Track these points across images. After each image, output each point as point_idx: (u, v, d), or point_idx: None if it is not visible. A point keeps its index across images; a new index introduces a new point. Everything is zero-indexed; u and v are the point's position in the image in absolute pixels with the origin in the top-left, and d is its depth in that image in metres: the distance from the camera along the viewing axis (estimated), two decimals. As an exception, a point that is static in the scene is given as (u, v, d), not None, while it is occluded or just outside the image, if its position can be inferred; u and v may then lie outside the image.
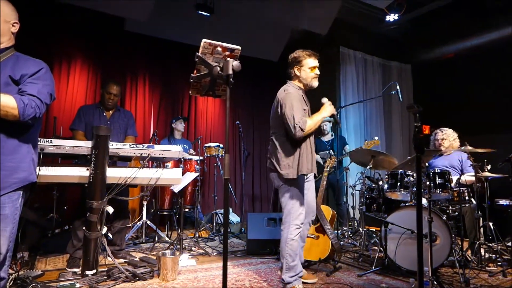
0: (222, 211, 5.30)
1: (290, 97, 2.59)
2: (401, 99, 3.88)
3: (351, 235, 4.50)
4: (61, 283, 2.58)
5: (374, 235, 4.11)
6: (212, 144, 4.86)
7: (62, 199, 4.55)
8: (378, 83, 6.66)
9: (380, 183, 3.97)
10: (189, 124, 6.11)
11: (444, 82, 6.28)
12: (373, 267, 3.18)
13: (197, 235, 4.40)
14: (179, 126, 5.07)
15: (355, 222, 4.79)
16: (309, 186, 2.80)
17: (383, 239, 3.18)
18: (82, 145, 2.79)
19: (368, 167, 3.82)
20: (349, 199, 4.93)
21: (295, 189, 2.60)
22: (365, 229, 3.92)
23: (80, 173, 2.76)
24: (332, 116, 2.71)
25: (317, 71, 2.69)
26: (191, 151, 5.08)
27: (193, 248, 3.94)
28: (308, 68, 2.68)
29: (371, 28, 6.35)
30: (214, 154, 4.82)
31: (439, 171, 3.38)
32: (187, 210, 4.66)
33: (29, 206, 3.57)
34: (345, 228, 4.77)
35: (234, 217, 5.90)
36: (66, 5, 4.53)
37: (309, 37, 5.63)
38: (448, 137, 4.02)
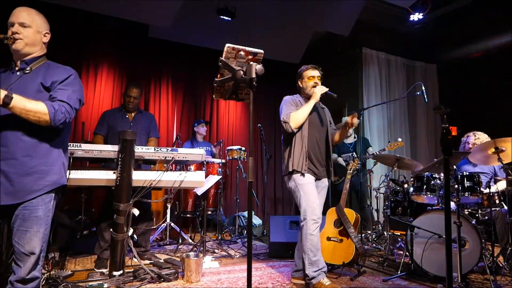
0: (244, 213, 5.32)
1: (283, 102, 2.89)
2: (426, 100, 3.78)
3: (375, 239, 4.41)
4: (90, 283, 2.66)
5: (399, 239, 4.02)
6: (234, 147, 4.89)
7: (90, 201, 4.69)
8: (402, 84, 6.52)
9: (405, 186, 3.89)
10: (211, 127, 6.18)
11: (472, 82, 6.08)
12: (399, 272, 3.11)
13: (219, 238, 4.43)
14: (201, 129, 5.14)
15: (379, 225, 4.69)
16: (320, 191, 2.85)
17: (409, 243, 3.10)
18: (109, 149, 2.88)
19: (392, 170, 3.75)
20: (373, 202, 4.84)
21: (303, 185, 2.71)
22: (390, 233, 3.84)
23: (107, 176, 2.84)
24: (327, 94, 2.80)
25: (316, 80, 2.85)
26: (214, 149, 5.13)
27: (216, 250, 3.97)
28: (307, 78, 2.88)
29: (394, 28, 6.23)
30: (236, 157, 4.85)
31: (467, 173, 3.27)
32: (209, 212, 4.71)
33: (59, 208, 3.70)
34: (369, 232, 4.69)
35: (256, 220, 5.91)
36: (93, 14, 4.69)
37: (331, 38, 5.59)
38: (479, 141, 3.86)
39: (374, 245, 4.26)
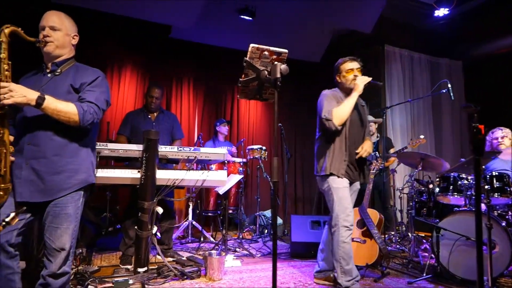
0: (264, 213, 5.32)
1: (322, 97, 2.70)
2: (452, 98, 3.67)
3: (399, 240, 4.33)
4: (116, 279, 2.72)
5: (424, 241, 3.93)
6: (255, 147, 4.89)
7: (114, 199, 4.81)
8: (426, 82, 6.35)
9: (431, 186, 3.79)
10: (232, 127, 6.21)
11: (499, 78, 5.86)
12: (424, 274, 3.04)
13: (240, 236, 4.46)
14: (223, 129, 5.17)
15: (403, 226, 4.60)
16: (351, 194, 2.72)
17: (435, 245, 3.02)
18: (134, 149, 2.94)
19: (416, 170, 3.66)
20: (396, 203, 4.75)
21: (338, 189, 2.58)
22: (414, 235, 3.75)
23: (132, 175, 2.90)
24: (371, 84, 2.63)
25: (355, 73, 2.66)
26: (234, 149, 5.16)
27: (237, 249, 3.99)
28: (345, 71, 2.69)
29: (418, 25, 6.09)
30: (257, 156, 4.85)
31: (497, 173, 3.16)
32: (230, 211, 4.73)
33: (86, 205, 3.81)
34: (393, 233, 4.60)
35: (277, 219, 5.90)
36: (118, 16, 4.80)
37: (353, 36, 5.51)
38: (508, 134, 3.71)
39: (398, 246, 4.17)
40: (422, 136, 4.10)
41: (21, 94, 1.58)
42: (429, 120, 6.30)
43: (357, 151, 2.63)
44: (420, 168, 3.60)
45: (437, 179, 3.46)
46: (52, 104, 1.64)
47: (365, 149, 2.63)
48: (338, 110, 2.55)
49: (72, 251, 1.80)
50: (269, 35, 5.30)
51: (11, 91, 1.56)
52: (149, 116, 3.68)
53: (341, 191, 2.58)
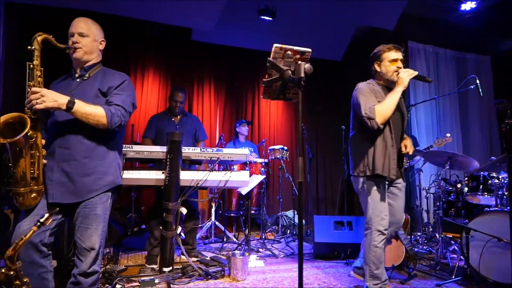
0: (287, 213, 5.31)
1: (358, 91, 2.48)
2: (481, 94, 3.54)
3: (425, 241, 4.22)
4: (142, 278, 2.78)
5: (453, 242, 3.81)
6: (277, 147, 4.89)
7: (139, 200, 4.91)
8: (452, 78, 6.16)
9: (459, 185, 3.67)
10: (253, 127, 6.23)
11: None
12: (453, 277, 2.95)
13: (263, 237, 4.45)
14: (243, 129, 5.19)
15: (430, 227, 4.48)
16: (399, 193, 2.57)
17: (464, 246, 2.92)
18: (158, 150, 2.99)
19: (443, 169, 3.55)
20: (422, 203, 4.63)
21: (373, 191, 2.43)
22: (442, 236, 3.65)
23: (156, 176, 2.95)
24: (417, 78, 2.41)
25: (399, 64, 2.45)
26: (254, 154, 5.16)
27: (260, 250, 4.00)
28: (388, 61, 2.47)
29: (443, 19, 5.90)
30: (278, 156, 4.84)
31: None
32: (253, 212, 4.74)
33: (112, 206, 3.91)
34: (419, 234, 4.49)
35: (302, 220, 5.86)
36: (140, 21, 4.89)
37: (375, 33, 5.41)
38: None
39: (424, 247, 4.07)
40: (448, 135, 3.98)
41: (53, 99, 1.64)
42: (456, 117, 6.11)
43: (404, 151, 2.49)
44: (448, 167, 3.50)
45: (466, 178, 3.36)
46: (82, 107, 1.70)
47: (410, 146, 2.49)
48: (381, 107, 2.32)
49: (102, 251, 1.85)
50: (289, 35, 5.27)
51: (43, 96, 1.62)
52: (173, 119, 3.75)
53: (376, 193, 2.43)
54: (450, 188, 3.76)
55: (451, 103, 6.09)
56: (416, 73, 2.36)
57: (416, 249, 3.88)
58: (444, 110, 6.03)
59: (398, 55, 2.47)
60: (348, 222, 3.77)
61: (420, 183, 4.80)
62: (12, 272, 1.46)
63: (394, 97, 2.34)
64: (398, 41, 5.77)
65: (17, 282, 1.48)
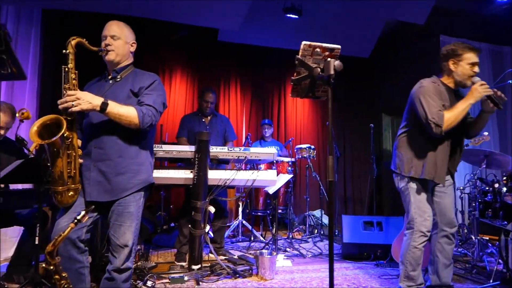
0: (314, 212, 5.25)
1: (423, 91, 2.31)
2: (520, 89, 3.36)
3: (460, 244, 4.05)
4: (172, 275, 2.83)
5: (490, 245, 3.64)
6: (304, 146, 4.85)
7: (168, 198, 5.01)
8: (488, 73, 5.87)
9: (496, 185, 3.50)
10: (279, 126, 6.21)
11: None
12: (491, 281, 2.81)
13: (290, 236, 4.43)
14: (263, 130, 5.19)
15: (465, 228, 4.30)
16: (446, 191, 2.45)
17: (503, 249, 2.78)
18: (186, 150, 3.05)
19: (479, 168, 3.40)
20: (457, 203, 4.45)
21: (418, 191, 2.35)
22: (478, 238, 3.49)
23: (185, 175, 3.01)
24: (489, 98, 2.22)
25: (476, 69, 2.30)
26: (280, 152, 5.15)
27: (287, 249, 3.98)
28: (468, 64, 2.30)
29: (477, 11, 5.63)
30: (305, 155, 4.81)
31: None
32: (280, 211, 4.73)
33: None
34: (453, 235, 4.31)
35: (326, 219, 5.79)
36: (167, 23, 4.99)
37: (404, 28, 5.25)
38: None
39: (459, 250, 3.91)
40: (486, 133, 3.81)
41: (87, 100, 1.69)
42: (492, 114, 5.82)
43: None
44: (484, 166, 3.35)
45: (504, 178, 3.20)
46: (115, 108, 1.74)
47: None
48: (451, 117, 2.19)
49: (135, 248, 1.90)
50: (315, 33, 5.22)
51: (78, 99, 1.67)
52: (203, 120, 3.82)
53: (420, 192, 2.35)
54: (487, 188, 3.60)
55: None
56: (491, 91, 2.20)
57: (450, 251, 3.73)
58: (479, 106, 5.75)
59: (477, 59, 2.32)
60: (378, 223, 3.68)
61: (454, 182, 4.61)
62: (51, 267, 1.52)
63: (464, 109, 2.21)
64: (429, 35, 5.65)
65: (57, 276, 1.55)
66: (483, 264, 3.31)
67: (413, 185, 2.37)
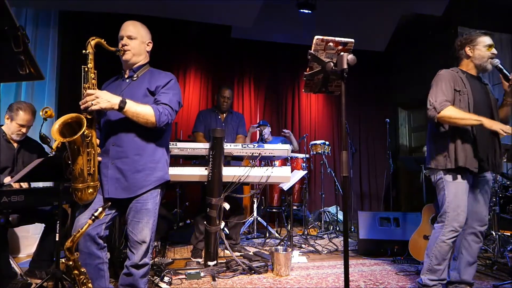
0: (329, 209, 5.22)
1: (438, 78, 2.36)
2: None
3: (480, 240, 3.96)
4: (188, 271, 2.87)
5: (511, 240, 3.55)
6: (318, 142, 4.82)
7: (184, 196, 5.07)
8: (509, 63, 5.70)
9: (517, 180, 3.41)
10: (293, 122, 6.19)
11: None
12: (513, 278, 2.75)
13: (305, 233, 4.42)
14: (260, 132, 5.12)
15: (485, 224, 4.19)
16: (482, 186, 2.38)
17: (525, 246, 2.71)
18: (201, 147, 3.07)
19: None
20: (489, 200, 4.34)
21: (453, 184, 2.28)
22: (499, 233, 3.41)
23: (200, 172, 3.03)
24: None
25: (494, 51, 2.32)
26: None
27: (302, 245, 3.97)
28: (484, 46, 2.33)
29: (496, 2, 5.47)
30: (320, 151, 4.78)
31: None
32: (295, 207, 4.72)
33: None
34: (472, 231, 4.22)
35: (342, 216, 5.76)
36: (181, 21, 5.02)
37: (421, 21, 5.13)
38: None
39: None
40: (507, 127, 3.69)
41: (106, 99, 1.73)
42: (513, 106, 5.65)
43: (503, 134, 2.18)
44: (505, 160, 3.26)
45: (526, 173, 3.10)
46: (132, 107, 1.77)
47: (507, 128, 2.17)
48: (453, 114, 2.20)
49: (152, 244, 1.94)
50: (329, 27, 5.16)
51: (97, 98, 1.71)
52: (219, 117, 3.85)
53: (455, 186, 2.28)
54: (508, 182, 3.51)
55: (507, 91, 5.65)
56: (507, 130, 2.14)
57: (469, 248, 3.65)
58: (499, 98, 5.59)
59: (492, 42, 2.34)
60: (394, 219, 3.64)
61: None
62: (70, 263, 1.56)
63: (472, 121, 2.18)
64: (447, 27, 5.50)
65: (75, 271, 1.59)
66: (505, 261, 3.24)
67: (448, 178, 2.30)
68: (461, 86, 2.31)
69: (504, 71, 2.26)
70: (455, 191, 2.27)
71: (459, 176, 2.28)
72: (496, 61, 2.30)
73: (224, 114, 3.87)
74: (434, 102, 2.25)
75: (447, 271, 2.35)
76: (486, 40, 2.33)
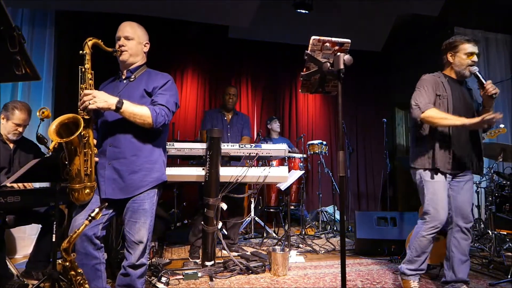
0: (327, 208, 5.23)
1: (421, 82, 2.45)
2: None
3: (476, 238, 3.98)
4: (186, 272, 2.87)
5: (508, 239, 3.57)
6: (315, 142, 4.83)
7: (181, 196, 5.06)
8: (505, 64, 5.73)
9: (514, 179, 3.43)
10: (291, 122, 6.20)
11: None
12: (509, 276, 2.76)
13: (303, 233, 4.43)
14: (274, 125, 5.19)
15: (481, 223, 4.22)
16: (464, 186, 2.45)
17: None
18: (198, 147, 3.07)
19: (497, 162, 3.33)
20: (473, 198, 4.37)
21: (432, 183, 2.39)
22: (495, 232, 3.43)
23: (197, 172, 3.03)
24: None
25: (474, 58, 2.37)
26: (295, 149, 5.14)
27: (300, 245, 3.98)
28: (464, 53, 2.39)
29: (493, 2, 5.49)
30: (317, 151, 4.79)
31: None
32: (292, 207, 4.73)
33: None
34: (469, 231, 4.24)
35: (339, 215, 5.77)
36: (177, 21, 5.01)
37: (417, 21, 5.15)
38: None
39: (476, 245, 3.84)
40: (502, 126, 3.72)
41: (103, 99, 1.73)
42: (509, 106, 5.68)
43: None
44: (501, 160, 3.28)
45: (522, 172, 3.12)
46: (129, 107, 1.77)
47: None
48: (436, 115, 2.27)
49: (149, 245, 1.94)
50: (326, 27, 5.17)
51: (94, 97, 1.71)
52: (225, 118, 3.89)
53: (434, 185, 2.39)
54: (504, 181, 3.53)
55: (502, 91, 5.67)
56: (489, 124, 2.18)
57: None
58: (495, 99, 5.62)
59: (475, 49, 2.38)
60: (391, 218, 3.66)
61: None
62: (67, 263, 1.56)
63: (454, 122, 2.25)
64: (443, 27, 5.52)
65: (72, 272, 1.58)
66: (501, 259, 3.26)
67: (426, 178, 2.41)
68: (442, 90, 2.40)
69: (481, 78, 2.31)
70: (433, 190, 2.38)
71: (437, 176, 2.38)
72: (474, 69, 2.35)
73: (230, 115, 3.91)
74: (419, 103, 2.35)
75: (426, 263, 2.47)
76: (467, 47, 2.37)
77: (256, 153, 3.09)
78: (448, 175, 2.40)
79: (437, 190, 2.37)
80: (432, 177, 2.39)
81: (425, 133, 2.44)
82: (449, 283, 2.47)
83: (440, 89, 2.40)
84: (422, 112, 2.31)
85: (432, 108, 2.31)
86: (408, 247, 2.51)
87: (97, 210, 1.55)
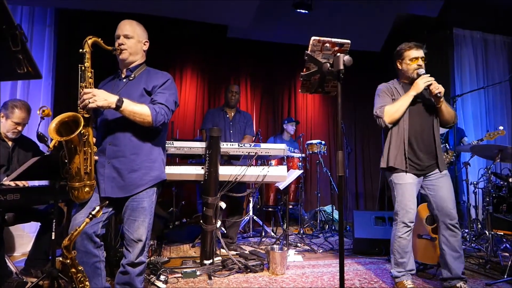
0: (325, 208, 5.25)
1: (376, 92, 2.68)
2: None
3: (473, 239, 4.00)
4: (184, 270, 2.88)
5: (504, 240, 3.59)
6: (314, 141, 4.84)
7: (180, 195, 5.06)
8: (503, 65, 5.76)
9: (511, 180, 3.45)
10: (289, 122, 6.20)
11: None
12: (505, 276, 2.78)
13: (301, 232, 4.44)
14: (289, 128, 5.20)
15: (479, 224, 4.24)
16: (438, 183, 2.52)
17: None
18: (197, 146, 3.08)
19: (494, 163, 3.35)
20: (470, 198, 4.39)
21: (398, 185, 2.51)
22: (492, 233, 3.45)
23: (196, 171, 3.04)
24: (430, 92, 2.42)
25: (419, 62, 2.52)
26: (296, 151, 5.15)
27: (298, 244, 3.99)
28: (409, 60, 2.55)
29: (492, 3, 5.51)
30: (316, 151, 4.80)
31: None
32: (290, 206, 4.74)
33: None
34: (466, 231, 4.26)
35: (337, 215, 5.79)
36: (177, 20, 5.01)
37: (416, 21, 5.16)
38: None
39: (473, 245, 3.87)
40: (501, 128, 3.74)
41: (103, 98, 1.73)
42: (507, 108, 5.71)
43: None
44: (498, 161, 3.30)
45: (519, 172, 3.15)
46: (129, 106, 1.78)
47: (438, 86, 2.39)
48: (390, 108, 2.50)
49: (148, 243, 1.94)
50: (326, 28, 5.18)
51: (94, 96, 1.72)
52: (227, 115, 3.91)
53: (402, 187, 2.50)
54: (502, 182, 3.55)
55: (501, 93, 5.71)
56: (432, 79, 2.40)
57: (463, 247, 3.69)
58: (493, 100, 5.67)
59: (419, 53, 2.53)
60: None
61: (467, 177, 4.56)
62: (68, 261, 1.57)
63: (404, 100, 2.47)
64: (442, 28, 5.55)
65: (73, 270, 1.59)
66: (497, 260, 3.28)
67: (395, 179, 2.54)
68: (396, 94, 2.58)
69: (434, 91, 2.42)
70: (401, 191, 2.50)
71: (405, 177, 2.49)
72: (421, 71, 2.48)
73: (232, 113, 3.93)
74: (375, 113, 2.56)
75: (413, 262, 2.54)
76: (411, 54, 2.53)
77: (255, 153, 3.10)
78: (415, 176, 2.50)
79: (406, 192, 2.48)
80: (401, 178, 2.50)
81: (385, 136, 2.62)
82: (446, 280, 2.52)
83: (395, 94, 2.59)
84: (382, 117, 2.49)
85: (383, 107, 2.51)
86: (390, 251, 2.59)
87: (97, 208, 1.55)
